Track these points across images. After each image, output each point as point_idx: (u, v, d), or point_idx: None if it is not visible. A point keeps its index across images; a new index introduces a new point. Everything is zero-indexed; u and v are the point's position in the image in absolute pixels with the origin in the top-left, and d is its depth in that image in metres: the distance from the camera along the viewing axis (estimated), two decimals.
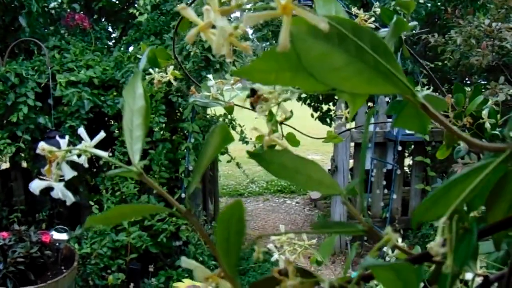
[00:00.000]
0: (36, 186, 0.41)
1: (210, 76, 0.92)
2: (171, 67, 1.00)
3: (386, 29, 0.90)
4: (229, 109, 0.92)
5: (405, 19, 0.89)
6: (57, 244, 3.33)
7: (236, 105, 0.93)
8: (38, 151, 0.40)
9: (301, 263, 0.65)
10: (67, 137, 0.43)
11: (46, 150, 0.40)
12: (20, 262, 2.96)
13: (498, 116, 0.87)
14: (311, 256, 0.76)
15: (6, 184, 4.52)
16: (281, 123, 0.66)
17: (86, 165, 0.44)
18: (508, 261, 0.36)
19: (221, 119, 4.25)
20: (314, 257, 0.72)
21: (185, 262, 0.36)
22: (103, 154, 0.44)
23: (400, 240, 0.89)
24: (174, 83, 0.96)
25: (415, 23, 0.89)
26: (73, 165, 0.43)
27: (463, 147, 0.88)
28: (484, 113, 0.86)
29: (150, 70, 1.05)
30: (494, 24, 4.03)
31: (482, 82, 4.49)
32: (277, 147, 0.56)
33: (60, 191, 0.40)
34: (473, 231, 0.31)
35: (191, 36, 0.30)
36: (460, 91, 0.88)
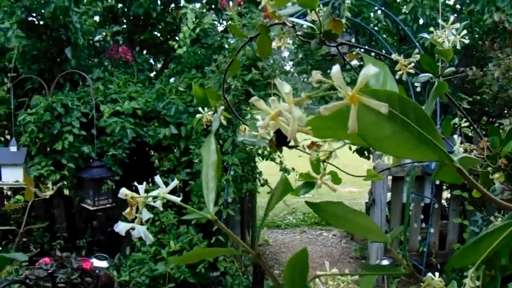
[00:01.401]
0: (122, 227, 0.46)
1: (259, 116, 0.97)
2: (222, 108, 1.05)
3: (425, 75, 0.95)
4: (274, 149, 0.97)
5: (443, 65, 0.93)
6: (97, 271, 3.40)
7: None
8: (120, 195, 0.45)
9: None
10: (144, 183, 0.49)
11: (129, 196, 0.45)
12: (61, 287, 3.03)
13: None
14: None
15: (48, 211, 4.64)
16: (324, 161, 0.71)
17: (161, 209, 0.50)
18: None
19: (260, 151, 4.30)
20: None
21: None
22: (177, 199, 0.49)
23: (437, 274, 0.92)
24: (224, 122, 1.01)
25: (452, 69, 0.93)
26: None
27: (498, 187, 0.91)
28: None
29: (200, 109, 1.10)
30: None
31: None
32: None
33: (142, 233, 0.46)
34: (497, 279, 0.35)
35: (265, 125, 0.35)
36: (495, 134, 0.91)
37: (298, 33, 0.89)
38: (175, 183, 0.50)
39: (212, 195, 0.41)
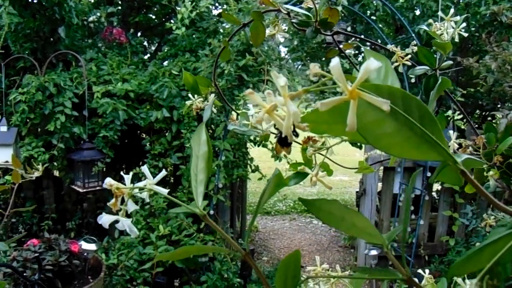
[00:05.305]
0: (106, 220, 0.44)
1: (250, 105, 0.95)
2: (212, 95, 1.02)
3: (422, 67, 0.93)
4: (265, 138, 0.95)
5: (441, 57, 0.91)
6: (85, 254, 3.38)
7: (273, 133, 0.96)
8: (105, 185, 0.43)
9: None
10: (131, 173, 0.47)
11: (114, 186, 0.43)
12: (49, 269, 3.01)
13: None
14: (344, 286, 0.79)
15: (37, 192, 4.61)
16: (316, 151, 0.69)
17: (148, 200, 0.48)
18: None
19: (252, 137, 4.27)
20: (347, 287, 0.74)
21: None
22: (164, 191, 0.47)
23: (427, 271, 0.91)
24: (215, 110, 0.99)
25: (450, 62, 0.91)
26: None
27: (492, 184, 0.90)
28: None
29: (190, 95, 1.07)
30: None
31: None
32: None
33: (127, 226, 0.44)
34: None
35: (259, 119, 0.33)
36: (491, 131, 0.90)
37: (293, 20, 0.87)
38: (162, 173, 0.48)
39: (201, 188, 0.39)
